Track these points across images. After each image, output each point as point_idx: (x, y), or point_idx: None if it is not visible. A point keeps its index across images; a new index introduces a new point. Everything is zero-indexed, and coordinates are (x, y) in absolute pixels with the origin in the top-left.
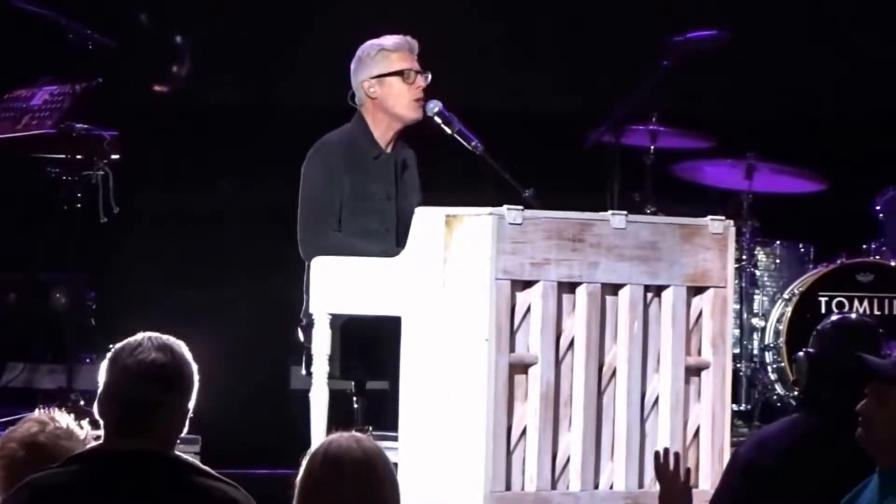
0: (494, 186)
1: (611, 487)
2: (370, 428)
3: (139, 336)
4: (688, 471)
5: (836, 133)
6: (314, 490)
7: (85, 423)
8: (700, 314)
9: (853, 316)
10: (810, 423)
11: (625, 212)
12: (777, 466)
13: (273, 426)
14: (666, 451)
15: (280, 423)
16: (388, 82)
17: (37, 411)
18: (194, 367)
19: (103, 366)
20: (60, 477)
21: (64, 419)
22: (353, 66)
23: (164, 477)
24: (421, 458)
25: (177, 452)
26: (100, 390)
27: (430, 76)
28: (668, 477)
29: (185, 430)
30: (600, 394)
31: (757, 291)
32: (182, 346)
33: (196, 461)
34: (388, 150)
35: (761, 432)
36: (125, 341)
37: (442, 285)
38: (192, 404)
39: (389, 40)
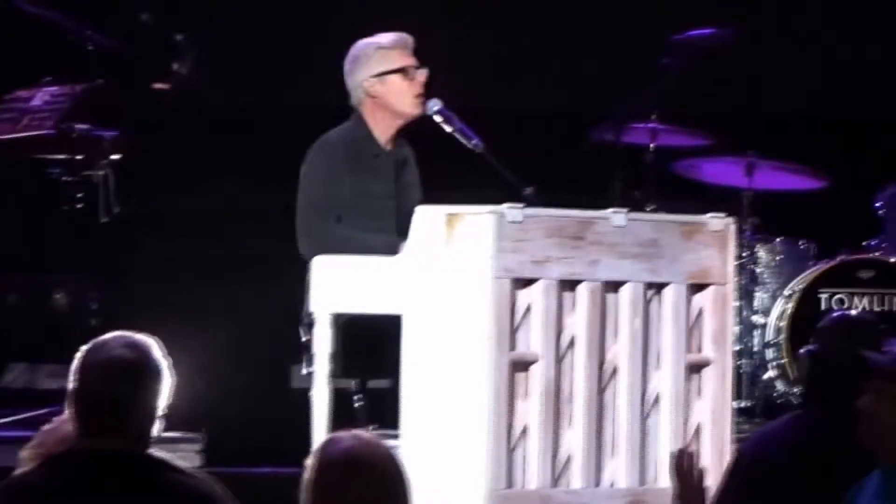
0: (495, 185)
1: (612, 485)
2: (371, 427)
3: (108, 335)
4: (702, 471)
5: (836, 130)
6: (327, 490)
7: None
8: (701, 311)
9: (854, 313)
10: (812, 421)
11: (625, 209)
12: (780, 464)
13: (275, 425)
14: (681, 450)
15: (282, 421)
16: (390, 80)
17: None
18: (164, 363)
19: (73, 366)
20: (34, 477)
21: None
22: (348, 66)
23: (137, 475)
24: (422, 456)
25: (150, 451)
26: (70, 389)
27: (426, 71)
28: (684, 476)
29: (158, 426)
30: (601, 391)
31: (758, 288)
32: (151, 343)
33: (169, 458)
34: (388, 148)
35: (764, 430)
36: (93, 340)
37: (443, 284)
38: (163, 401)
39: (385, 38)
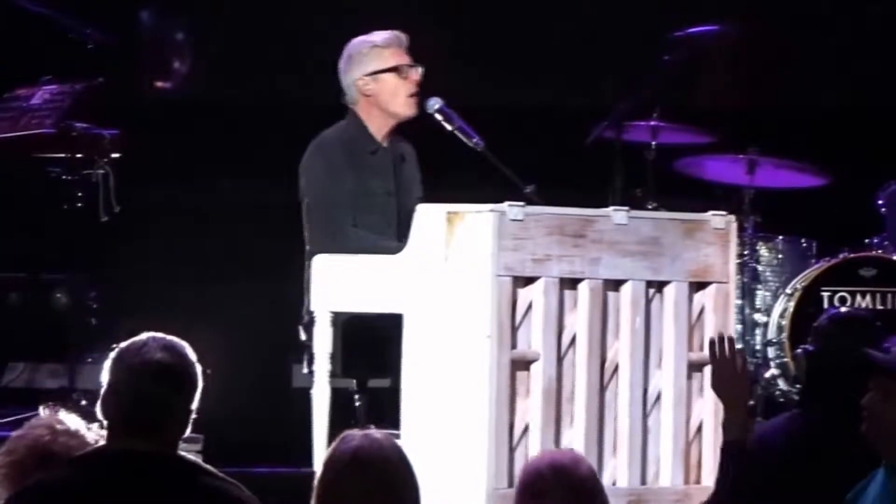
0: (495, 183)
1: (613, 484)
2: (371, 426)
3: (143, 336)
4: (743, 353)
5: (838, 127)
6: (334, 489)
7: (94, 425)
8: (702, 310)
9: (849, 310)
10: (810, 419)
11: (626, 207)
12: (778, 462)
13: (275, 425)
14: (720, 335)
15: (282, 421)
16: (383, 79)
17: (41, 411)
18: (198, 367)
19: (107, 365)
20: (65, 478)
21: (73, 421)
22: (342, 64)
23: (169, 477)
24: (423, 455)
25: (181, 452)
26: (103, 390)
27: (421, 69)
28: (721, 361)
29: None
30: (602, 390)
31: (759, 286)
32: (186, 346)
33: (199, 461)
34: (385, 144)
35: (762, 428)
36: (129, 341)
37: (443, 282)
38: (195, 405)
39: (379, 36)
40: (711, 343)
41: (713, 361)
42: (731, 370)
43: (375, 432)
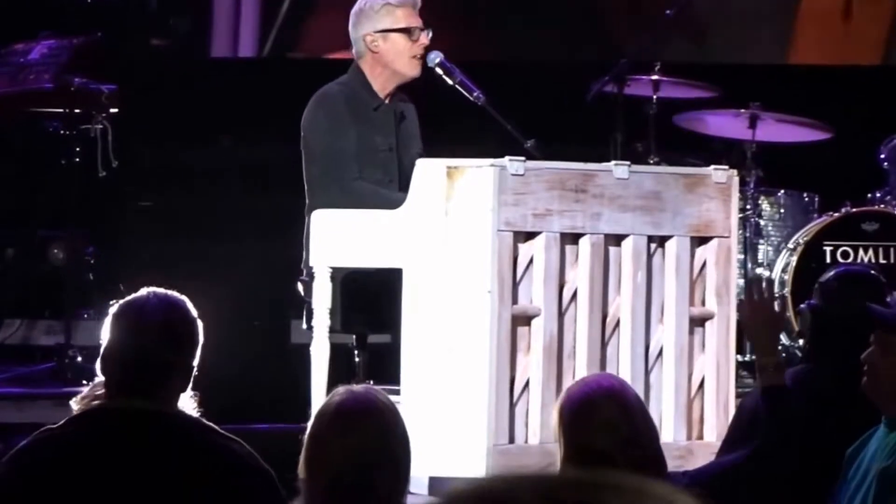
0: (496, 137)
1: None
2: (371, 382)
3: (144, 292)
4: (778, 297)
5: (840, 81)
6: (320, 445)
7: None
8: (704, 264)
9: (855, 266)
10: (815, 375)
11: (628, 162)
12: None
13: (273, 381)
14: (758, 277)
15: (280, 377)
16: (393, 38)
17: None
18: (199, 323)
19: (107, 322)
20: (64, 434)
21: None
22: (353, 17)
23: (168, 434)
24: (423, 411)
25: (181, 409)
26: (103, 348)
27: (430, 32)
28: (755, 304)
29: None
30: (604, 345)
31: (761, 241)
32: (187, 302)
33: (200, 417)
34: (387, 101)
35: None
36: (130, 297)
37: (443, 237)
38: (196, 361)
39: None
40: (748, 284)
41: (748, 303)
42: (764, 314)
43: (363, 387)
